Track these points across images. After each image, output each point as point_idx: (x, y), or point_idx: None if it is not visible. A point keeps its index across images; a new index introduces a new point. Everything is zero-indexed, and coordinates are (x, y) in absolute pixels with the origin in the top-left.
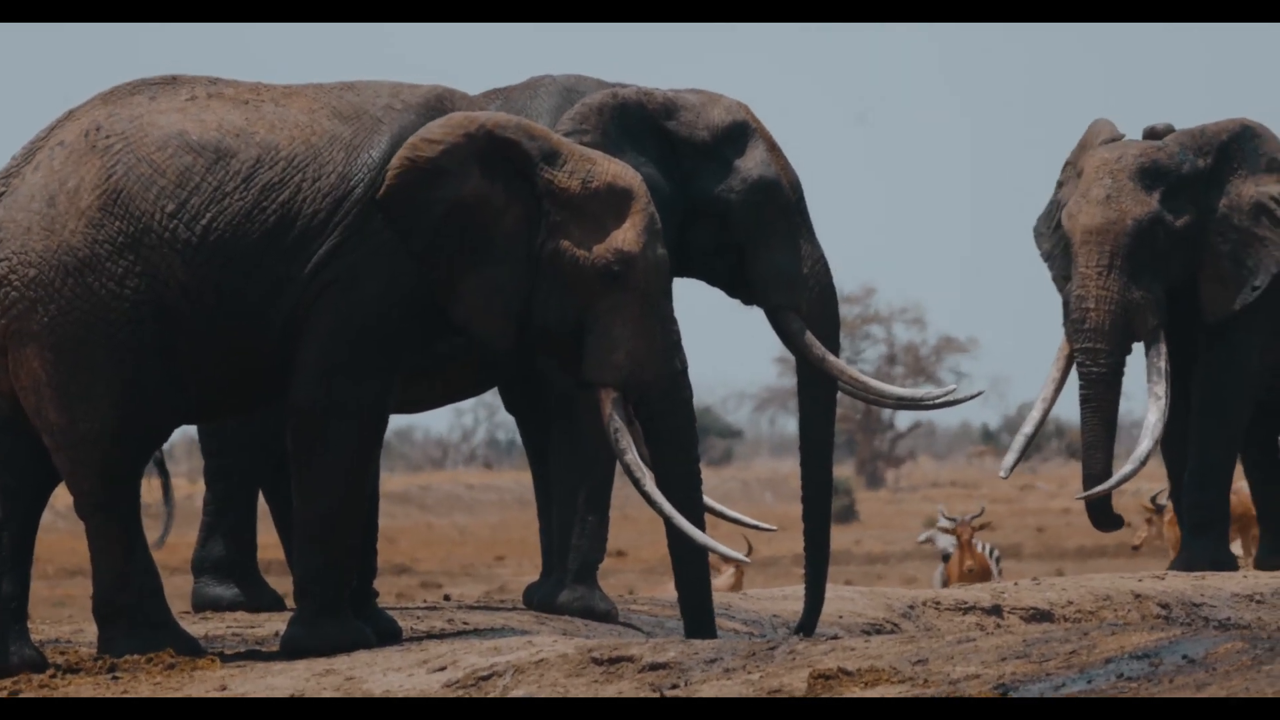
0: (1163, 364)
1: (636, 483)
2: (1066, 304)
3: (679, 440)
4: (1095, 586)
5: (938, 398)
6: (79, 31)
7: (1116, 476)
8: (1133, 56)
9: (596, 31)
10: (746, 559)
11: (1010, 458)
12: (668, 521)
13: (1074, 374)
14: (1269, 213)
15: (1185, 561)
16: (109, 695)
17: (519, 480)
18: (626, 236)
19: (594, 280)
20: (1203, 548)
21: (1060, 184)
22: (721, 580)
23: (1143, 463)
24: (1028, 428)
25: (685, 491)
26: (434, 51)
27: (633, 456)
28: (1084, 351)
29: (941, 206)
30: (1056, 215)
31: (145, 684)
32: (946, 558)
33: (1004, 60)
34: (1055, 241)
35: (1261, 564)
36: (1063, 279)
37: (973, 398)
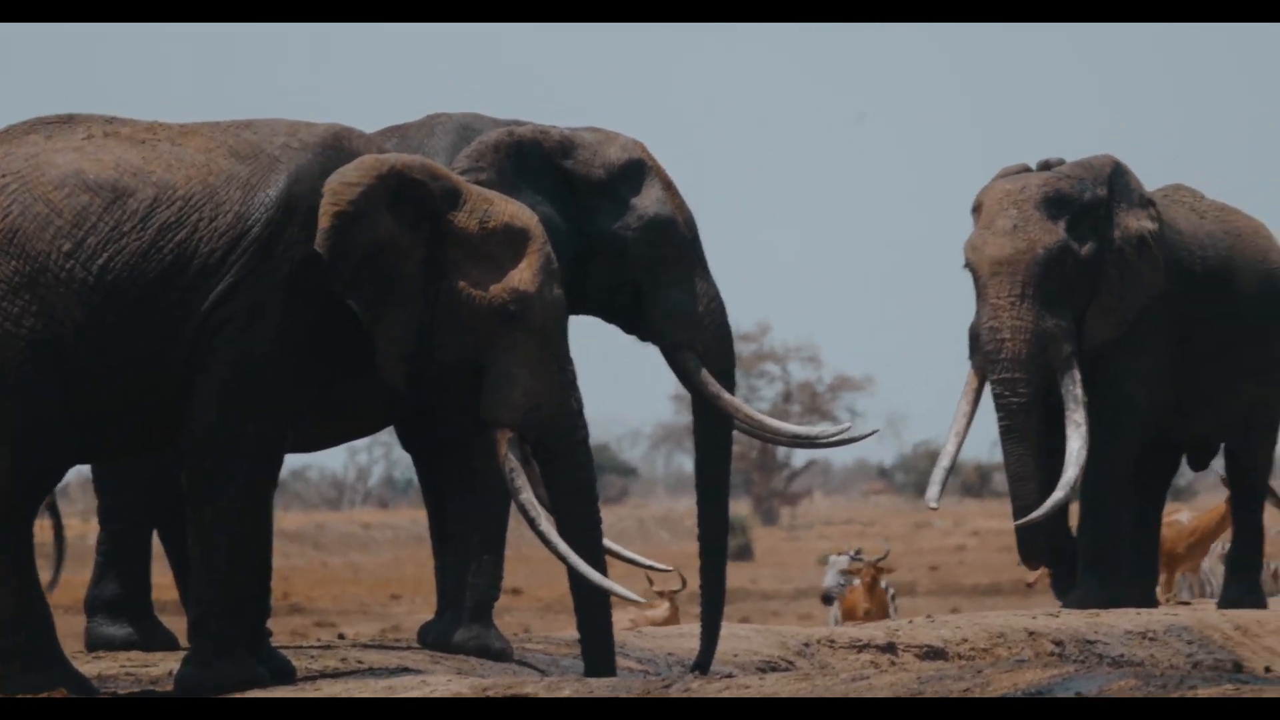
0: (1079, 391)
1: (532, 523)
2: (974, 337)
3: (577, 480)
4: (989, 624)
5: (833, 436)
6: (81, 32)
7: (1049, 504)
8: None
9: (596, 32)
10: (641, 599)
11: (934, 489)
12: (563, 561)
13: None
14: (1148, 248)
15: (1079, 599)
16: None
17: (415, 519)
18: (523, 276)
19: (491, 320)
20: (1096, 585)
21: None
22: (657, 613)
23: (1072, 488)
24: (945, 461)
25: (584, 531)
26: (431, 51)
27: (528, 496)
28: (1002, 382)
29: (838, 244)
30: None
31: None
32: (828, 599)
33: (912, 105)
34: None
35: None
36: None
37: (867, 436)
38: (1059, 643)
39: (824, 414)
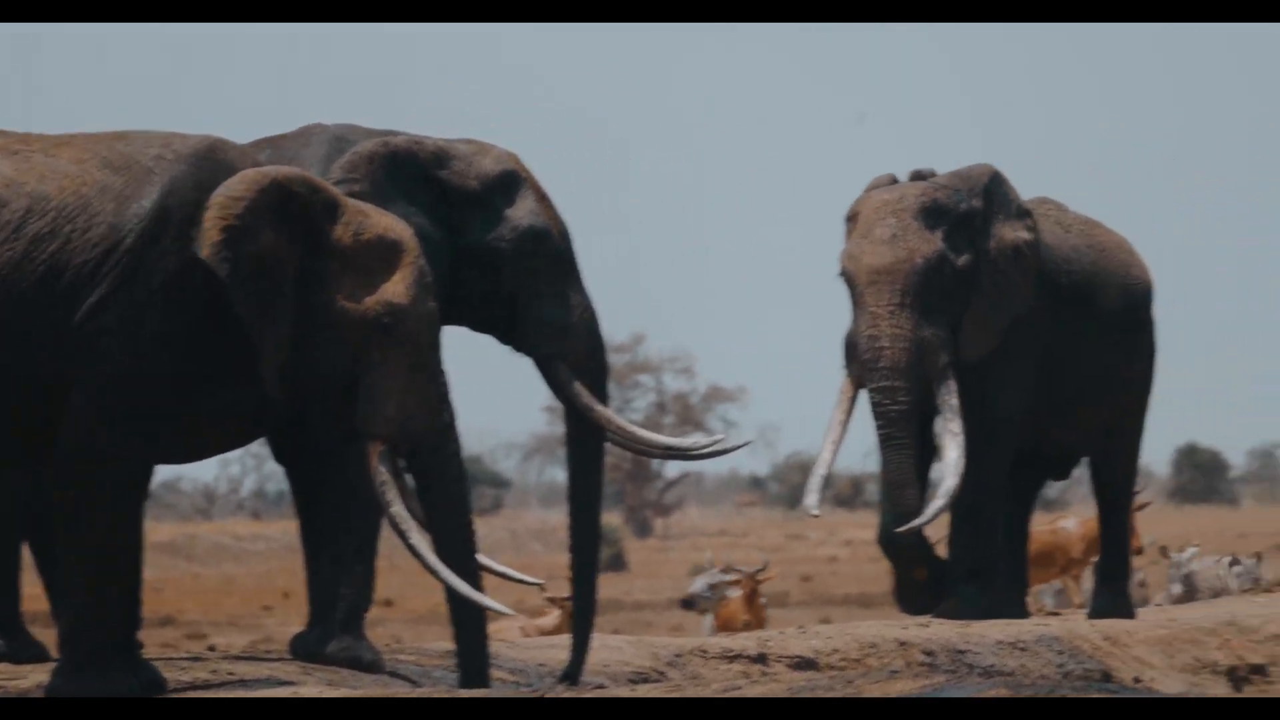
0: (955, 401)
1: (402, 536)
2: (851, 346)
3: (449, 493)
4: (861, 634)
5: (705, 447)
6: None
7: (930, 511)
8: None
9: (597, 31)
10: (510, 611)
11: (813, 497)
12: (433, 575)
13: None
14: (1024, 259)
15: (954, 609)
16: None
17: (287, 530)
18: (396, 289)
19: (364, 332)
20: (969, 595)
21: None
22: (547, 621)
23: (952, 497)
24: (821, 469)
25: (457, 544)
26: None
27: (399, 509)
28: (881, 391)
29: (712, 255)
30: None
31: None
32: (688, 604)
33: (781, 115)
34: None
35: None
36: None
37: (740, 448)
38: (930, 653)
39: (697, 425)
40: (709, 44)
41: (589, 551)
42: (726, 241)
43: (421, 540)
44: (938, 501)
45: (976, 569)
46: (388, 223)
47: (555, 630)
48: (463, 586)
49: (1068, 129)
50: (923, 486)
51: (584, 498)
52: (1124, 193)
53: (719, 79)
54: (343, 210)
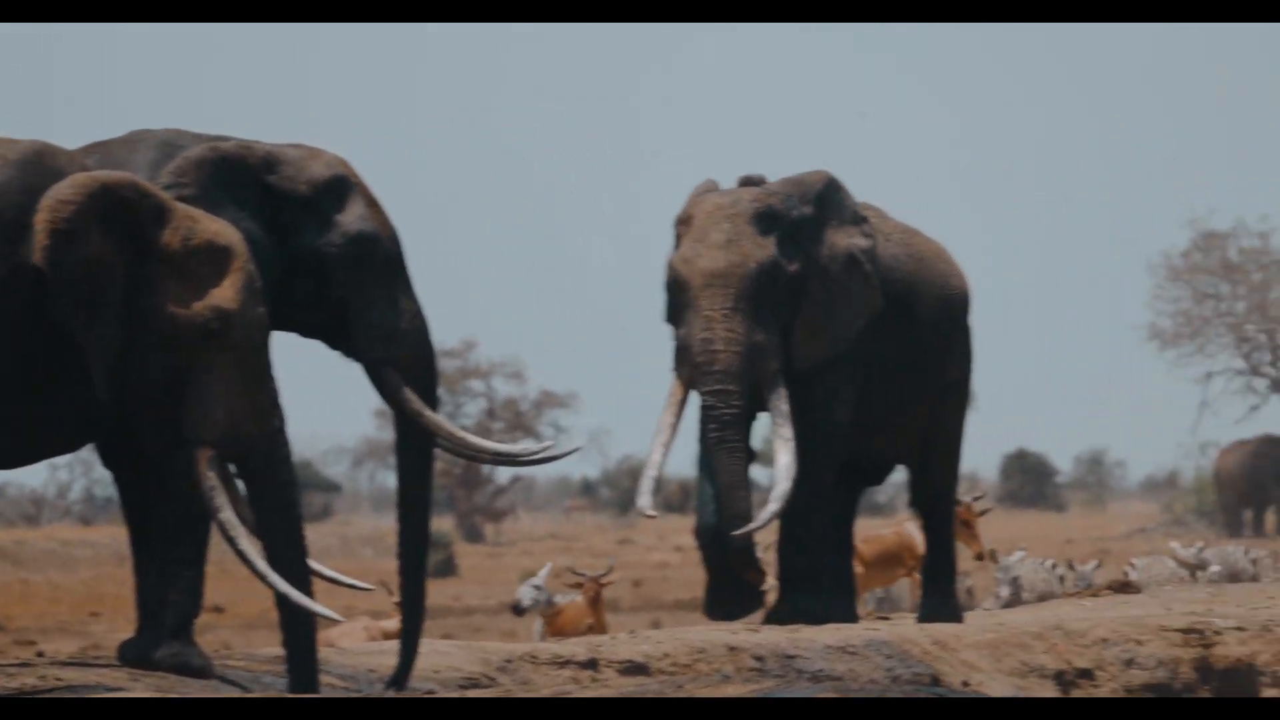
0: (785, 406)
1: (231, 541)
2: (684, 349)
3: (280, 498)
4: (691, 639)
5: (534, 454)
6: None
7: (765, 515)
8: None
9: (595, 32)
10: (339, 617)
11: (645, 498)
12: (262, 580)
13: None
14: (858, 266)
15: (779, 615)
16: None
17: (116, 536)
18: (225, 294)
19: (193, 337)
20: (796, 602)
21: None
22: (393, 624)
23: (785, 502)
24: (652, 470)
25: (287, 549)
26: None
27: (228, 515)
28: (715, 394)
29: (542, 261)
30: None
31: None
32: (518, 609)
33: (606, 119)
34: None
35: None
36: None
37: (568, 454)
38: (760, 658)
39: (528, 430)
40: (517, 42)
41: (418, 557)
42: (556, 247)
43: (251, 546)
44: (771, 505)
45: (804, 575)
46: (217, 228)
47: (399, 632)
48: (292, 592)
49: (895, 133)
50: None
51: (413, 503)
52: (942, 199)
53: (537, 74)
54: (171, 215)
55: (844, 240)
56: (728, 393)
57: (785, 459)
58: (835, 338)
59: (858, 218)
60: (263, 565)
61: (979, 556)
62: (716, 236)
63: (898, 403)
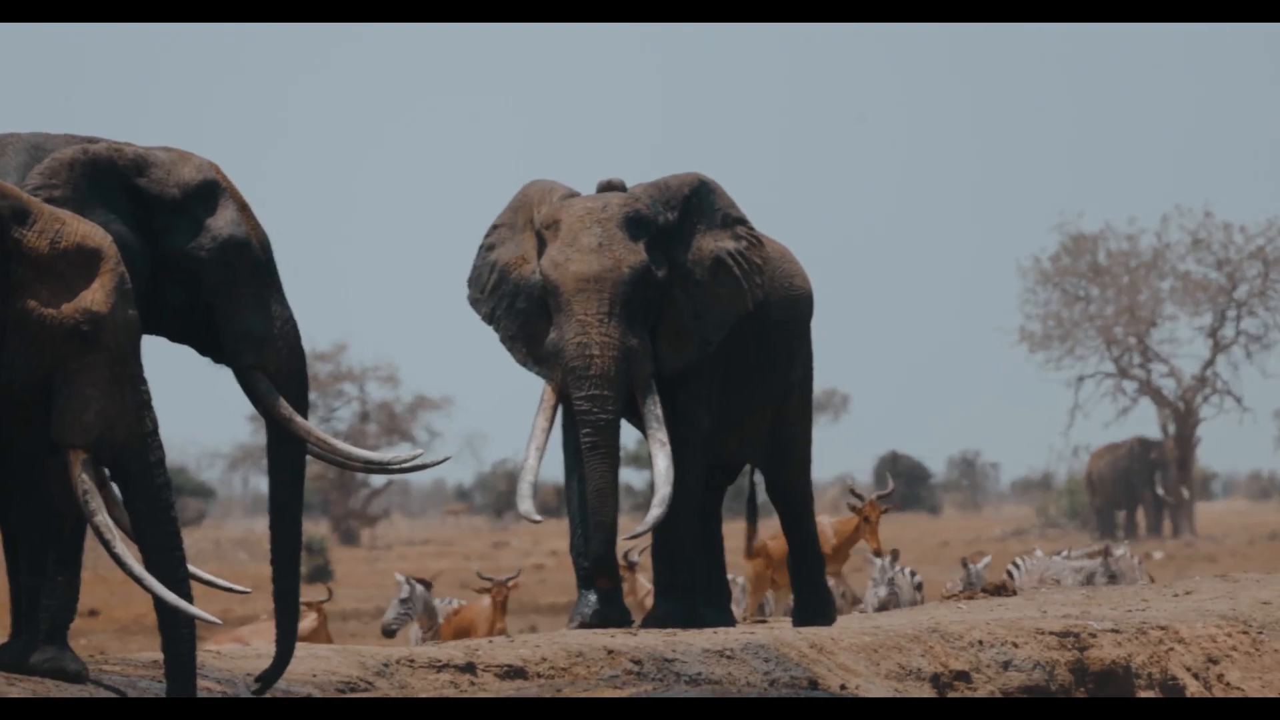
0: (659, 410)
1: (106, 545)
2: (556, 352)
3: (155, 502)
4: (569, 643)
5: (405, 461)
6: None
7: (649, 520)
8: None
9: (595, 32)
10: (218, 620)
11: (526, 503)
12: (139, 584)
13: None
14: (727, 269)
15: (656, 619)
16: None
17: None
18: (96, 297)
19: (62, 340)
20: (672, 606)
21: (490, 246)
22: (304, 624)
23: (667, 506)
24: (529, 475)
25: (164, 552)
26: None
27: (102, 518)
28: (591, 399)
29: (414, 262)
30: (489, 278)
31: None
32: (388, 632)
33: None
34: (497, 301)
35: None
36: (513, 338)
37: (439, 463)
38: (638, 661)
39: (403, 434)
40: (396, 37)
41: (290, 562)
42: (427, 249)
43: (125, 549)
44: (655, 510)
45: (675, 580)
46: (86, 230)
47: (313, 632)
48: (169, 595)
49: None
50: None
51: (285, 508)
52: (811, 200)
53: (424, 68)
54: (36, 217)
55: (711, 244)
56: (604, 398)
57: (663, 463)
58: (702, 341)
59: (729, 220)
60: (139, 569)
61: (876, 553)
62: (588, 240)
63: (747, 404)
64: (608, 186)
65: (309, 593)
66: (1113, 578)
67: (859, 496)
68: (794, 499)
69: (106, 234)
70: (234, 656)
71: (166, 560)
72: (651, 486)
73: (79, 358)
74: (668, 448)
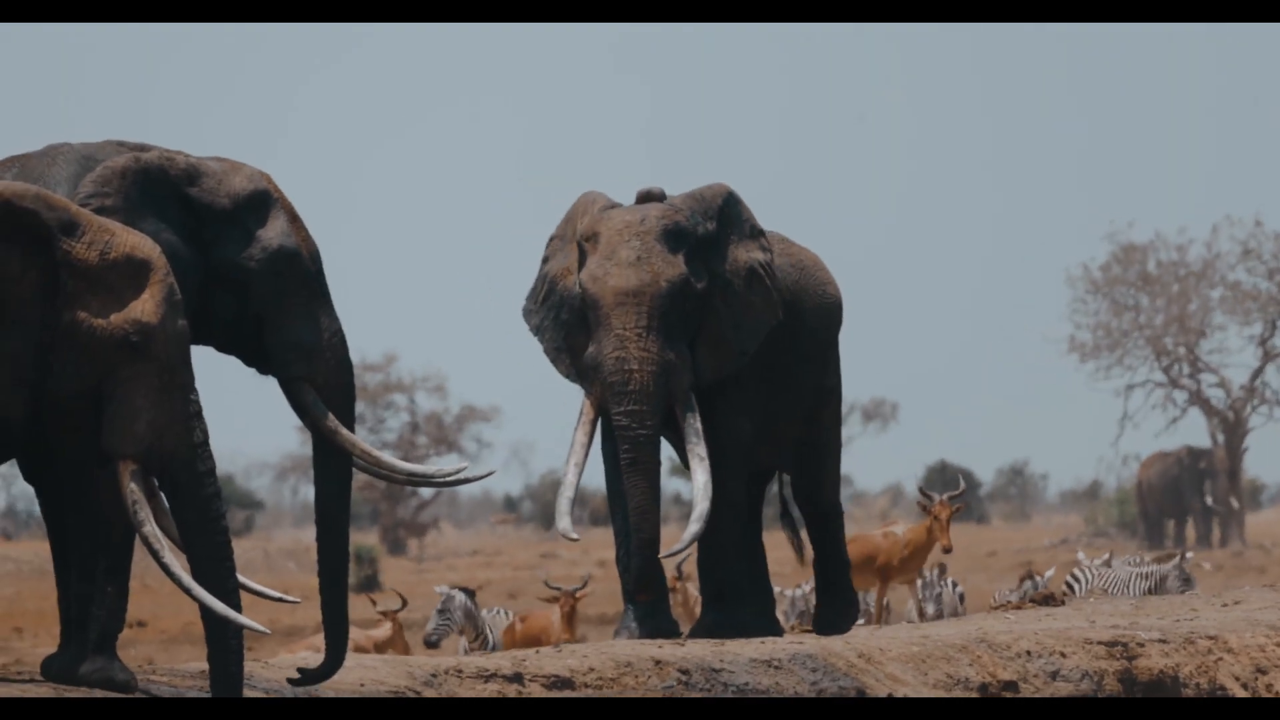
0: (699, 424)
1: (155, 555)
2: (595, 367)
3: (204, 512)
4: (616, 653)
5: (450, 475)
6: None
7: (687, 537)
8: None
9: (596, 31)
10: (266, 630)
11: (564, 520)
12: (187, 594)
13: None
14: (759, 279)
15: (704, 629)
16: None
17: (37, 551)
18: (145, 308)
19: (113, 351)
20: (719, 616)
21: (546, 258)
22: (379, 632)
23: (705, 521)
24: (568, 492)
25: (214, 563)
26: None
27: (151, 529)
28: (630, 414)
29: (463, 273)
30: (542, 290)
31: None
32: (431, 643)
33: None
34: (545, 313)
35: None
36: (557, 349)
37: (483, 477)
38: (685, 671)
39: (451, 445)
40: (451, 46)
41: (338, 572)
42: (475, 261)
43: (174, 559)
44: (693, 526)
45: (720, 590)
46: (135, 241)
47: (389, 641)
48: (217, 605)
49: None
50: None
51: (332, 519)
52: (863, 211)
53: (469, 80)
54: (84, 228)
55: (744, 254)
56: (642, 413)
57: (703, 478)
58: (739, 351)
59: (755, 231)
60: (188, 579)
61: (947, 550)
62: (626, 254)
63: (787, 411)
64: (647, 196)
65: (358, 604)
66: (1186, 581)
67: (929, 496)
68: (825, 506)
69: (156, 245)
70: (281, 666)
71: (216, 570)
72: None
73: (129, 368)
74: (706, 462)
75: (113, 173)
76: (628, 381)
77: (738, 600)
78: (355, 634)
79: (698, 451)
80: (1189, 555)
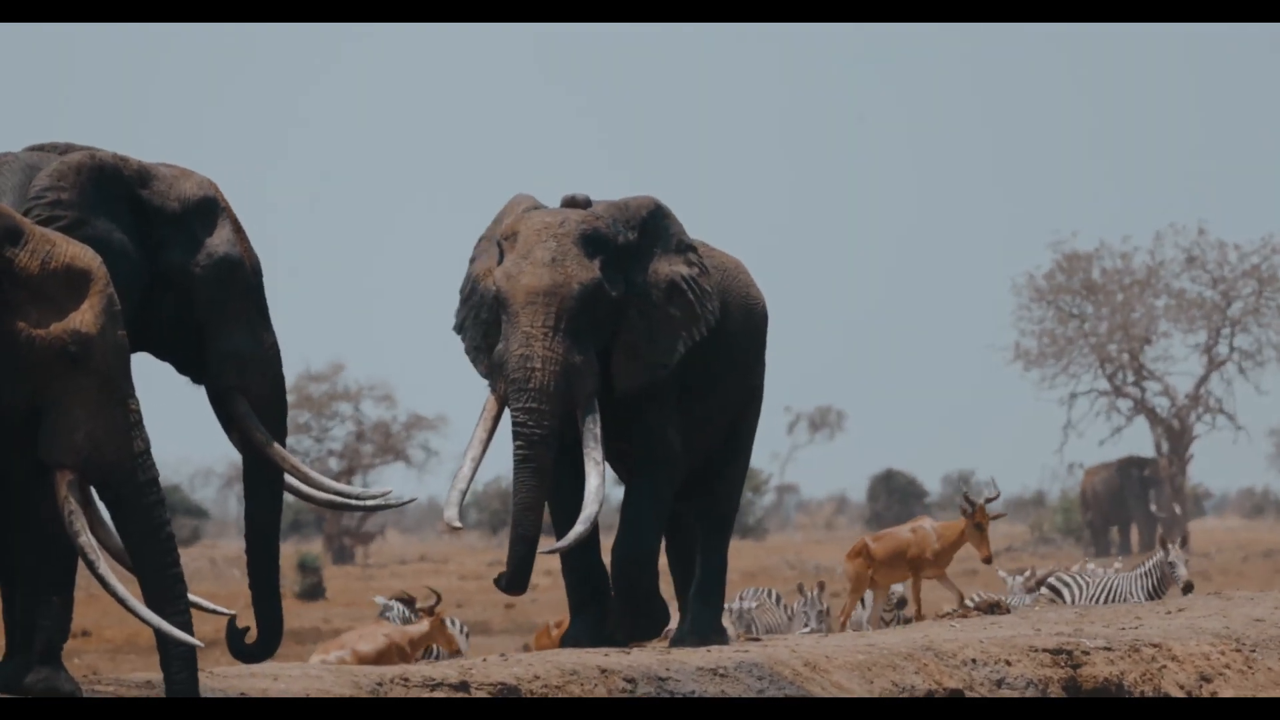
0: (598, 429)
1: (90, 565)
2: (499, 364)
3: (148, 521)
4: (562, 662)
5: (370, 501)
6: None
7: (571, 536)
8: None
9: (594, 32)
10: (200, 643)
11: (452, 510)
12: (122, 605)
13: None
14: (681, 293)
15: (569, 639)
16: None
17: None
18: (85, 318)
19: (51, 361)
20: (582, 626)
21: (472, 259)
22: (416, 629)
23: (591, 524)
24: (461, 484)
25: (159, 571)
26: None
27: (87, 539)
28: (528, 412)
29: (410, 283)
30: (466, 289)
31: None
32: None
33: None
34: (467, 312)
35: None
36: (476, 348)
37: (405, 504)
38: (631, 679)
39: (398, 454)
40: (390, 48)
41: (269, 584)
42: (421, 269)
43: (109, 571)
44: (579, 528)
45: (584, 599)
46: (76, 251)
47: (426, 638)
48: (152, 617)
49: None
50: (573, 509)
51: (261, 532)
52: (804, 219)
53: (418, 82)
54: (28, 237)
55: (666, 267)
56: (540, 411)
57: (595, 481)
58: (654, 363)
59: (683, 246)
60: (122, 590)
61: (988, 560)
62: (541, 254)
63: (709, 416)
64: (571, 202)
65: (308, 610)
66: (1180, 566)
67: (971, 502)
68: (725, 513)
69: (96, 255)
70: (228, 676)
71: (162, 579)
72: (607, 507)
73: (67, 379)
74: (602, 467)
75: (69, 168)
76: (529, 379)
77: (650, 609)
78: (392, 632)
79: (594, 455)
80: (1171, 547)
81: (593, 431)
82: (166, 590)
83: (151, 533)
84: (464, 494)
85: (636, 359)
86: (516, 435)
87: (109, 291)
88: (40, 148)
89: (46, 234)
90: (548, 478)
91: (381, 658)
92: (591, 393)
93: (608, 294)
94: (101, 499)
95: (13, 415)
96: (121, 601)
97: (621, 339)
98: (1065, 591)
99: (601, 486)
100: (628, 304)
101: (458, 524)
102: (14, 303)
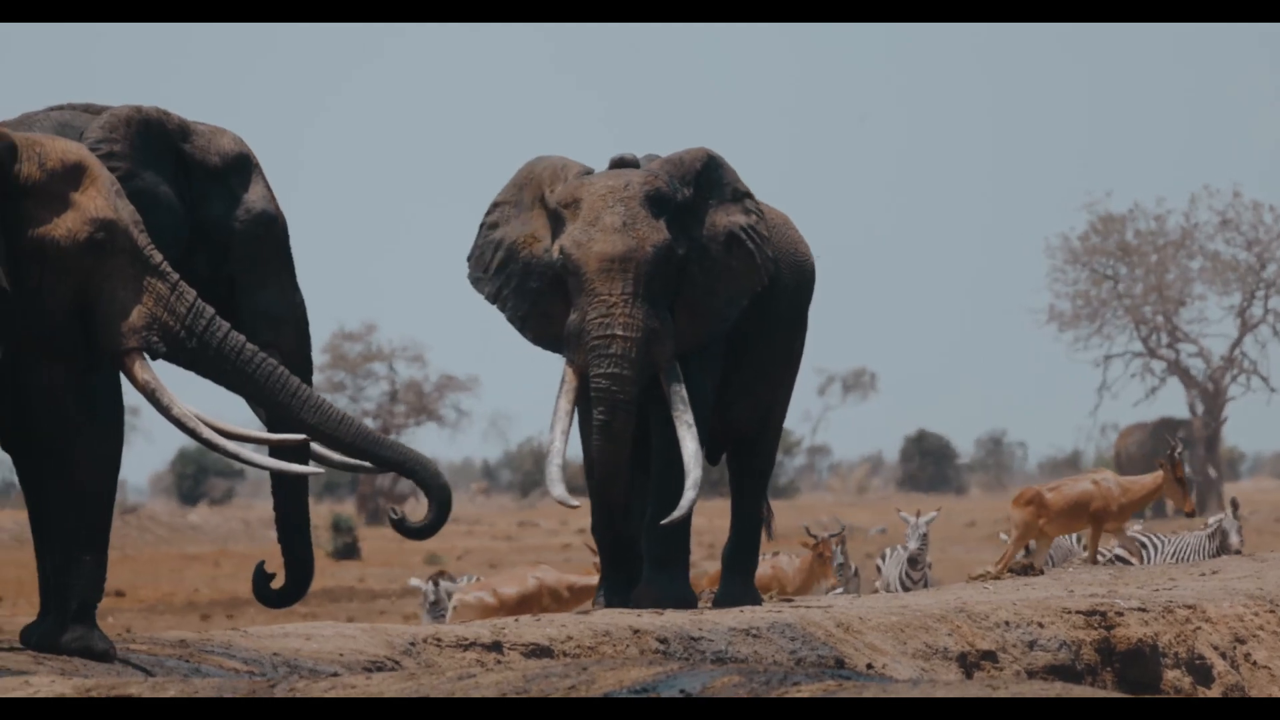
0: (685, 392)
1: (193, 434)
2: (577, 334)
3: (249, 365)
4: (594, 622)
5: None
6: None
7: (685, 503)
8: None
9: (596, 31)
10: (319, 470)
11: (559, 488)
12: (234, 459)
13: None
14: (740, 244)
15: (650, 597)
16: None
17: (16, 520)
18: (97, 204)
19: (83, 255)
20: (665, 582)
21: (494, 225)
22: (511, 589)
23: (700, 488)
24: (556, 459)
25: (286, 396)
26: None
27: (180, 409)
28: (611, 378)
29: (443, 244)
30: (493, 257)
31: None
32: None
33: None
34: (504, 281)
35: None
36: (523, 318)
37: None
38: (664, 640)
39: (430, 413)
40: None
41: (303, 543)
42: (454, 231)
43: (214, 434)
44: (689, 493)
45: (666, 557)
46: (60, 145)
47: (535, 593)
48: (272, 462)
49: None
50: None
51: (289, 486)
52: (842, 182)
53: (447, 57)
54: (19, 149)
55: (724, 219)
56: (624, 378)
57: (692, 445)
58: (717, 318)
59: (739, 194)
60: (233, 447)
61: (1191, 513)
62: (611, 220)
63: (757, 376)
64: (620, 162)
65: (342, 570)
66: (1225, 535)
67: (1171, 457)
68: (762, 474)
69: (80, 144)
70: (260, 636)
71: (290, 403)
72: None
73: (103, 266)
74: (694, 429)
75: (120, 120)
76: (610, 345)
77: (680, 568)
78: (546, 575)
79: (685, 419)
80: (1229, 508)
81: (680, 394)
82: (286, 417)
83: (241, 367)
84: (562, 469)
85: (699, 315)
86: (598, 401)
87: (104, 171)
88: (60, 108)
89: (29, 137)
90: (628, 445)
91: (526, 603)
92: (671, 355)
93: (675, 253)
94: (180, 364)
95: (61, 320)
96: (234, 456)
97: (684, 297)
98: (1146, 551)
99: (699, 450)
100: (689, 260)
101: (574, 503)
102: (27, 215)
